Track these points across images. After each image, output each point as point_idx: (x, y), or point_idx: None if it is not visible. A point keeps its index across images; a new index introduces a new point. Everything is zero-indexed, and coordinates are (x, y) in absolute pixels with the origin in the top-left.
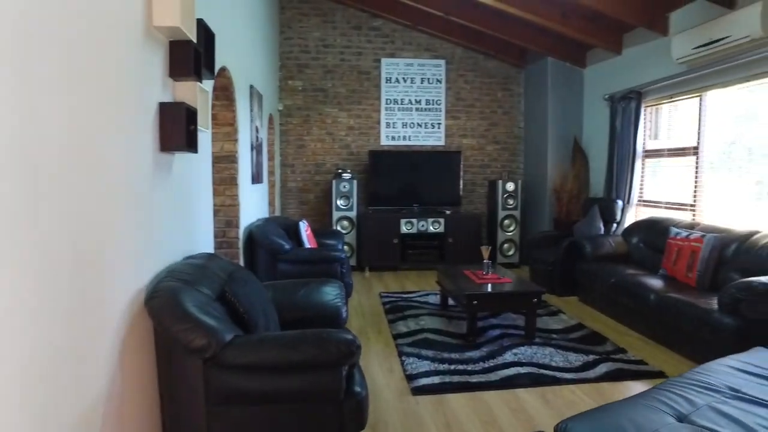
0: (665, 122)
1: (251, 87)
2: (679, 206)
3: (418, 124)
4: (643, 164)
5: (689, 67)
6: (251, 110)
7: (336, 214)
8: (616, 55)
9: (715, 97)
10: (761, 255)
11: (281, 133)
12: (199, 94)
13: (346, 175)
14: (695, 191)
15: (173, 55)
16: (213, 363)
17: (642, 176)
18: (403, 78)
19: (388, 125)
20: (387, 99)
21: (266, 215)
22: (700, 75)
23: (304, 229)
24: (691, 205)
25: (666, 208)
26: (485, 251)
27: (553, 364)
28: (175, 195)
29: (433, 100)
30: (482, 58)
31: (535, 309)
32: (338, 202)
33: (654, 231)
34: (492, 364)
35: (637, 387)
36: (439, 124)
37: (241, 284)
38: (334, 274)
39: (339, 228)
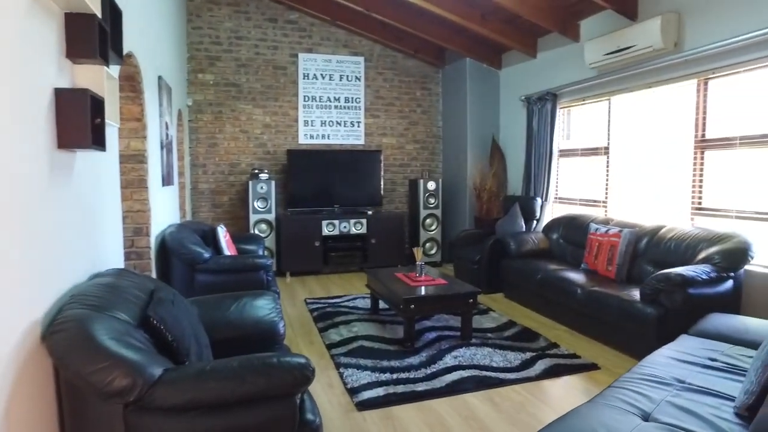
0: (576, 123)
1: (160, 78)
2: (593, 203)
3: (338, 123)
4: (558, 163)
5: (600, 71)
6: (160, 104)
7: (253, 217)
8: (531, 58)
9: (622, 100)
10: (669, 248)
11: (191, 131)
12: (106, 81)
13: (263, 176)
14: (606, 188)
15: (71, 31)
16: (138, 406)
17: (557, 174)
18: (321, 74)
19: (306, 123)
20: (305, 96)
21: (178, 220)
22: (610, 80)
23: (223, 234)
24: (603, 202)
25: (581, 204)
26: (417, 252)
27: (494, 364)
28: (78, 201)
29: (352, 97)
30: (401, 56)
31: (472, 309)
32: (256, 204)
33: (572, 227)
34: (434, 370)
35: (576, 381)
36: (359, 122)
37: (167, 305)
38: (259, 282)
39: (257, 232)
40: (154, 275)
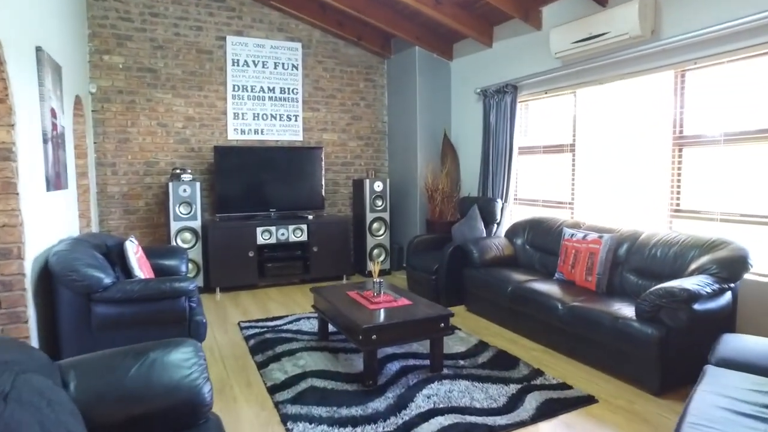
0: (535, 118)
1: (39, 50)
2: (557, 204)
3: (272, 116)
4: (517, 161)
5: (566, 62)
6: (41, 84)
7: (175, 225)
8: (486, 47)
9: (588, 93)
10: (654, 255)
11: (96, 123)
12: None
13: (186, 176)
14: (573, 189)
15: None
16: None
17: (516, 174)
18: (254, 61)
19: (236, 116)
20: (234, 85)
21: (77, 232)
22: (578, 71)
23: (133, 250)
24: (570, 203)
25: (543, 206)
26: (375, 267)
27: (477, 405)
28: None
29: (288, 88)
30: (343, 44)
31: (443, 335)
32: (177, 210)
33: (540, 231)
34: (406, 418)
35: (576, 421)
36: (296, 116)
37: None
38: (179, 312)
39: (180, 242)
40: (30, 312)
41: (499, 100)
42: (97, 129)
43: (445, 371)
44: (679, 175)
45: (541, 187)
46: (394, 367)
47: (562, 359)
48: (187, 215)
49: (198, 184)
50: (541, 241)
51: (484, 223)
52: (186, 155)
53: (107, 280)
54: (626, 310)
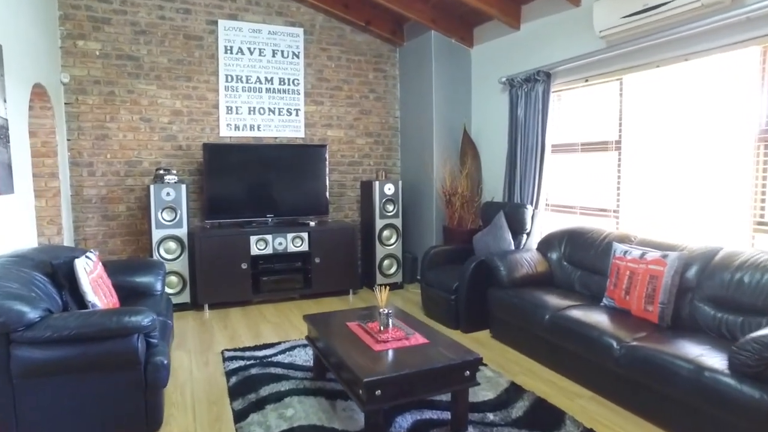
0: (572, 111)
1: None
2: (600, 212)
3: (270, 110)
4: (549, 161)
5: (612, 42)
6: None
7: (157, 233)
8: (513, 30)
9: (638, 80)
10: (740, 282)
11: (69, 117)
12: None
13: (171, 178)
14: (618, 194)
15: None
16: None
17: (548, 175)
18: (249, 48)
19: (229, 110)
20: (227, 75)
21: (34, 244)
22: (630, 51)
23: (87, 268)
24: (614, 211)
25: (582, 214)
26: (382, 294)
27: None
28: None
29: (289, 78)
30: (350, 29)
31: (469, 386)
32: (160, 216)
33: (580, 245)
34: None
35: None
36: (298, 110)
37: None
38: (129, 354)
39: (163, 252)
40: None
41: (529, 90)
42: (71, 124)
43: (471, 430)
44: (764, 178)
45: (579, 191)
46: (404, 422)
47: (619, 413)
48: (171, 222)
49: (184, 187)
50: (582, 257)
51: (511, 233)
52: (173, 154)
53: (32, 315)
54: (711, 358)
